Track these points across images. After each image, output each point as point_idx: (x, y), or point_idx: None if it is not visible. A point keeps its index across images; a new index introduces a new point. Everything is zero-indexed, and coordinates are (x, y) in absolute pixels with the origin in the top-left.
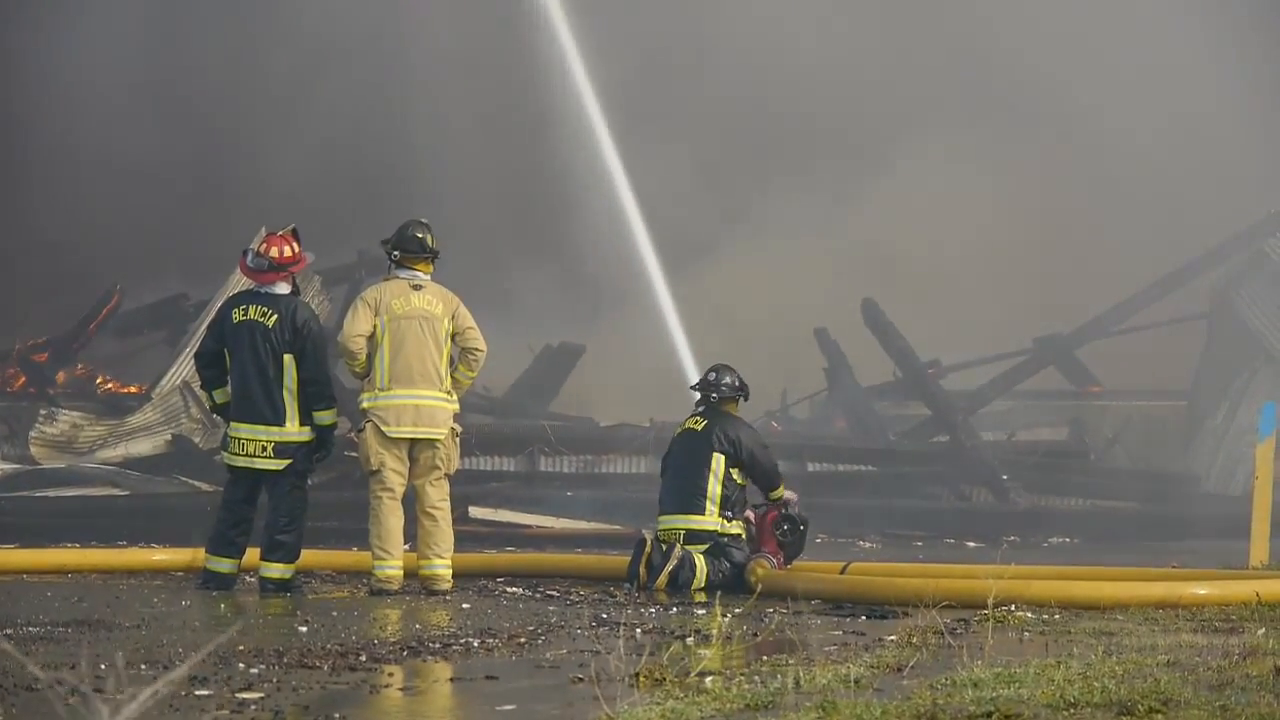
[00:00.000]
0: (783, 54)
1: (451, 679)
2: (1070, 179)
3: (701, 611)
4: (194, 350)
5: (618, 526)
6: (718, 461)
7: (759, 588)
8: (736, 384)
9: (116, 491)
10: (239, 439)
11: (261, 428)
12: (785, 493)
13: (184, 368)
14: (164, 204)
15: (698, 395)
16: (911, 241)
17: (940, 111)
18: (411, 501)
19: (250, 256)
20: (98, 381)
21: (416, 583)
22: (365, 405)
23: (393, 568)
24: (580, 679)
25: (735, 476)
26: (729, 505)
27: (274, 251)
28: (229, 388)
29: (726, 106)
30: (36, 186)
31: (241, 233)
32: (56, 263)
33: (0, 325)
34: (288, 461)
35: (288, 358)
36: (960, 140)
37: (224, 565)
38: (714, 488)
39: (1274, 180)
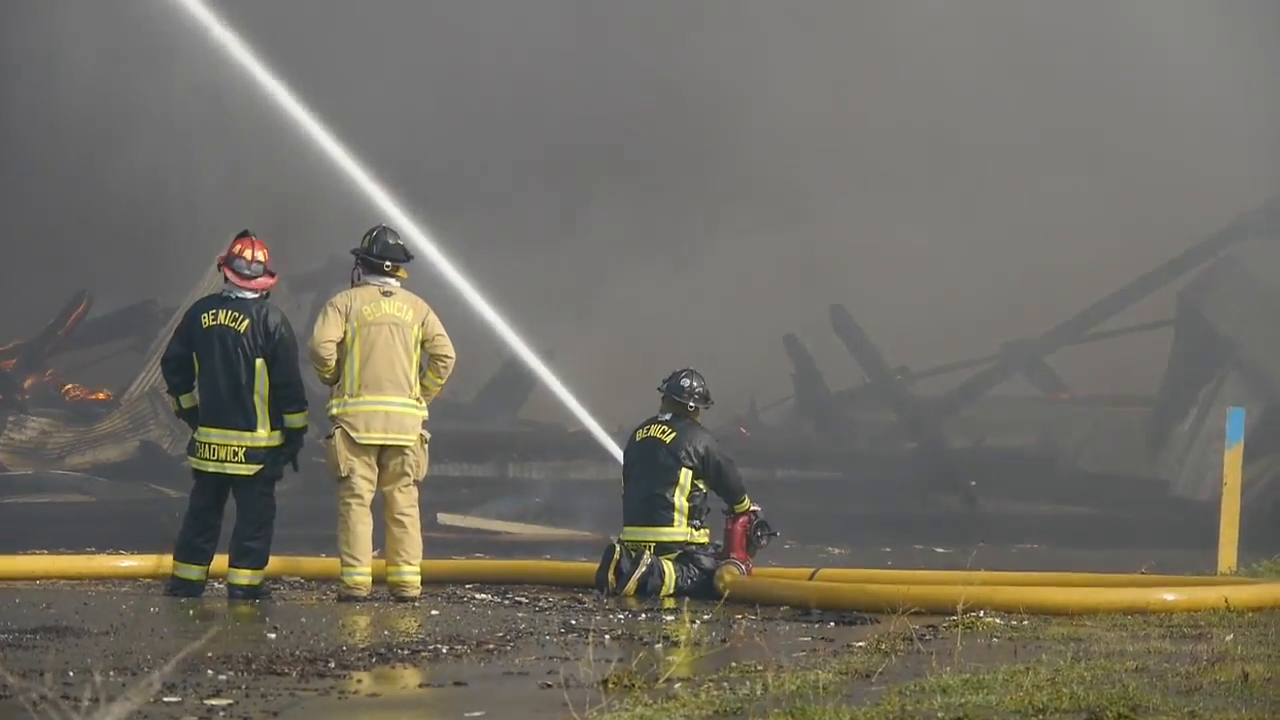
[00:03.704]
0: (756, 64)
1: (420, 685)
2: (1037, 187)
3: (670, 617)
4: (161, 355)
5: (586, 533)
6: (685, 475)
7: (727, 593)
8: (704, 391)
9: (84, 498)
10: (208, 444)
11: (233, 433)
12: (750, 504)
13: (152, 374)
14: (129, 209)
15: (663, 394)
16: (879, 248)
17: (908, 126)
18: (380, 508)
19: (243, 265)
20: (66, 388)
21: (385, 589)
22: (335, 412)
23: (361, 574)
24: (549, 685)
25: (700, 487)
26: (695, 514)
27: (260, 255)
28: (196, 393)
29: (699, 117)
30: (2, 187)
31: (207, 238)
32: (23, 267)
33: None
34: (258, 467)
35: (259, 362)
36: (929, 151)
37: (192, 572)
38: (680, 500)
39: (1239, 187)
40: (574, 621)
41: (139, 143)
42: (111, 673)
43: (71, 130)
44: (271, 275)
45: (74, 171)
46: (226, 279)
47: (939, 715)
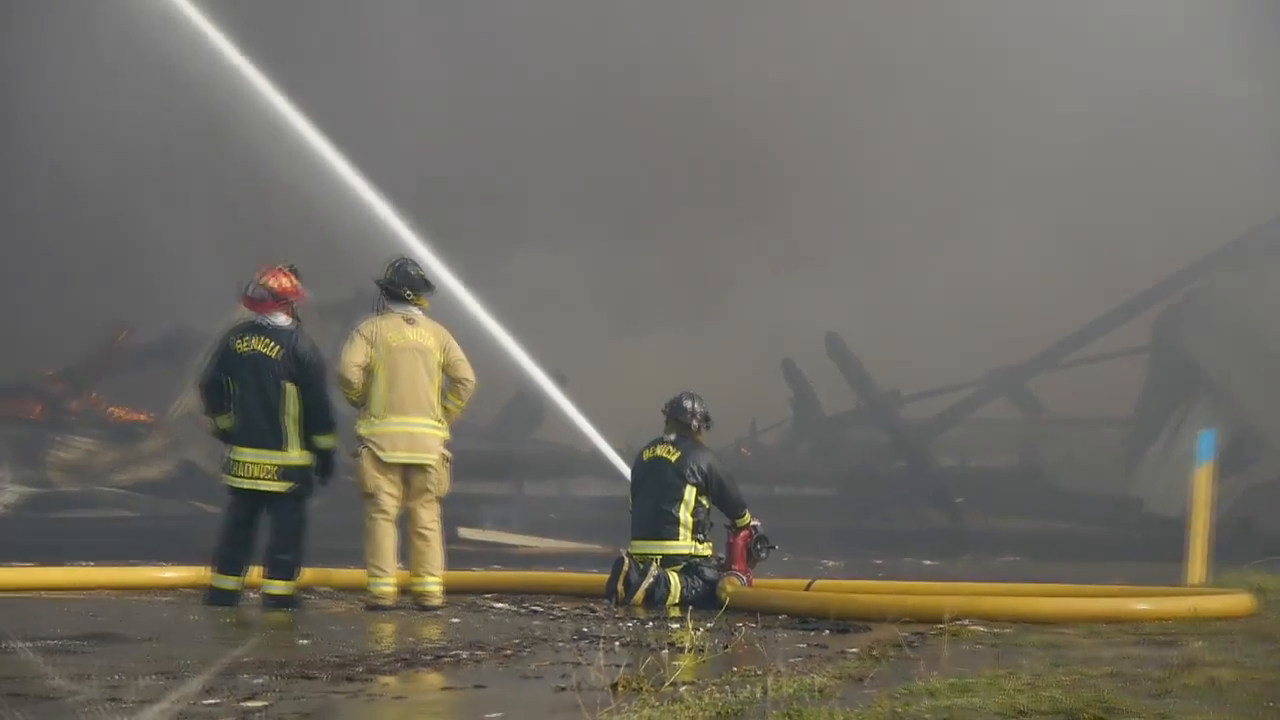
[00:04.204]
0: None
1: (443, 688)
2: (1020, 222)
3: (676, 625)
4: (199, 378)
5: (596, 546)
6: (689, 492)
7: (728, 603)
8: (705, 413)
9: (128, 513)
10: (243, 462)
11: (265, 452)
12: (750, 519)
13: (190, 397)
14: (168, 240)
15: (666, 416)
16: (872, 279)
17: (898, 162)
18: (405, 522)
19: (250, 287)
20: (109, 410)
21: (410, 598)
22: (362, 432)
23: (387, 584)
24: (563, 688)
25: (704, 502)
26: (699, 529)
27: (272, 283)
28: (231, 414)
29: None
30: (45, 220)
31: (245, 268)
32: (69, 296)
33: (18, 357)
34: (290, 484)
35: (290, 386)
36: (919, 187)
37: (229, 583)
38: (685, 515)
39: (1211, 223)
40: (586, 629)
41: (172, 175)
42: (154, 677)
43: (104, 164)
44: (276, 301)
45: (109, 203)
46: (241, 304)
47: (926, 717)
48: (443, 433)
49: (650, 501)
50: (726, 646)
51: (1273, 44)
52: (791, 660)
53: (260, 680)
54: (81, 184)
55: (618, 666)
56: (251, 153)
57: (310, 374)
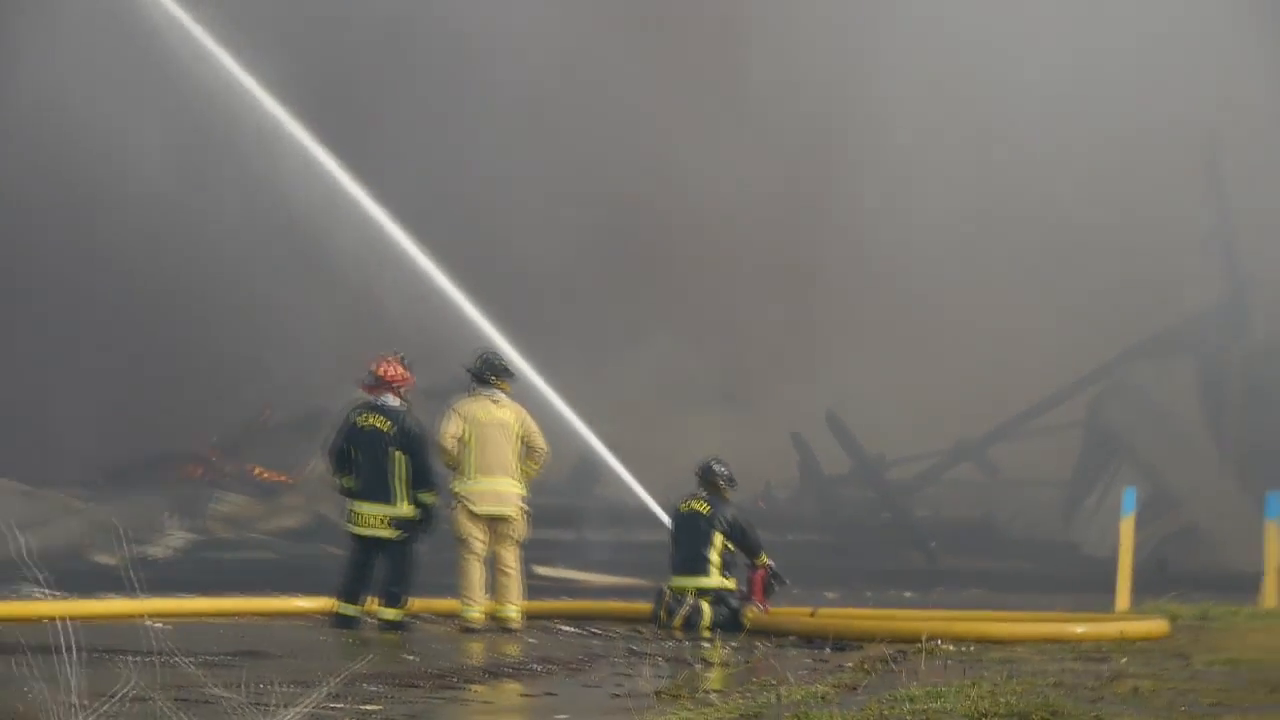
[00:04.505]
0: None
1: (521, 695)
2: (977, 321)
3: (706, 645)
4: (328, 447)
5: (643, 581)
6: (718, 538)
7: (749, 627)
8: (730, 475)
9: (271, 555)
10: (362, 514)
11: (380, 506)
12: (767, 559)
13: (321, 461)
14: (301, 332)
15: (698, 478)
16: (863, 364)
17: (865, 263)
18: (491, 562)
19: (368, 375)
20: (256, 472)
21: (495, 622)
22: (457, 490)
23: (477, 611)
24: (617, 695)
25: (729, 546)
26: (726, 567)
27: (382, 370)
28: (353, 476)
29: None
30: (200, 312)
31: (363, 358)
32: (224, 379)
33: (183, 429)
34: (399, 532)
35: (400, 454)
36: (897, 286)
37: (351, 610)
38: (714, 556)
39: (1131, 320)
40: (635, 647)
41: (300, 273)
42: (291, 686)
43: (245, 261)
44: (385, 381)
45: (252, 295)
46: (361, 388)
47: (907, 718)
48: (521, 490)
49: (686, 545)
50: (747, 661)
51: (1166, 185)
52: (799, 672)
53: (375, 689)
54: (222, 277)
55: (660, 677)
56: (358, 261)
57: (416, 445)
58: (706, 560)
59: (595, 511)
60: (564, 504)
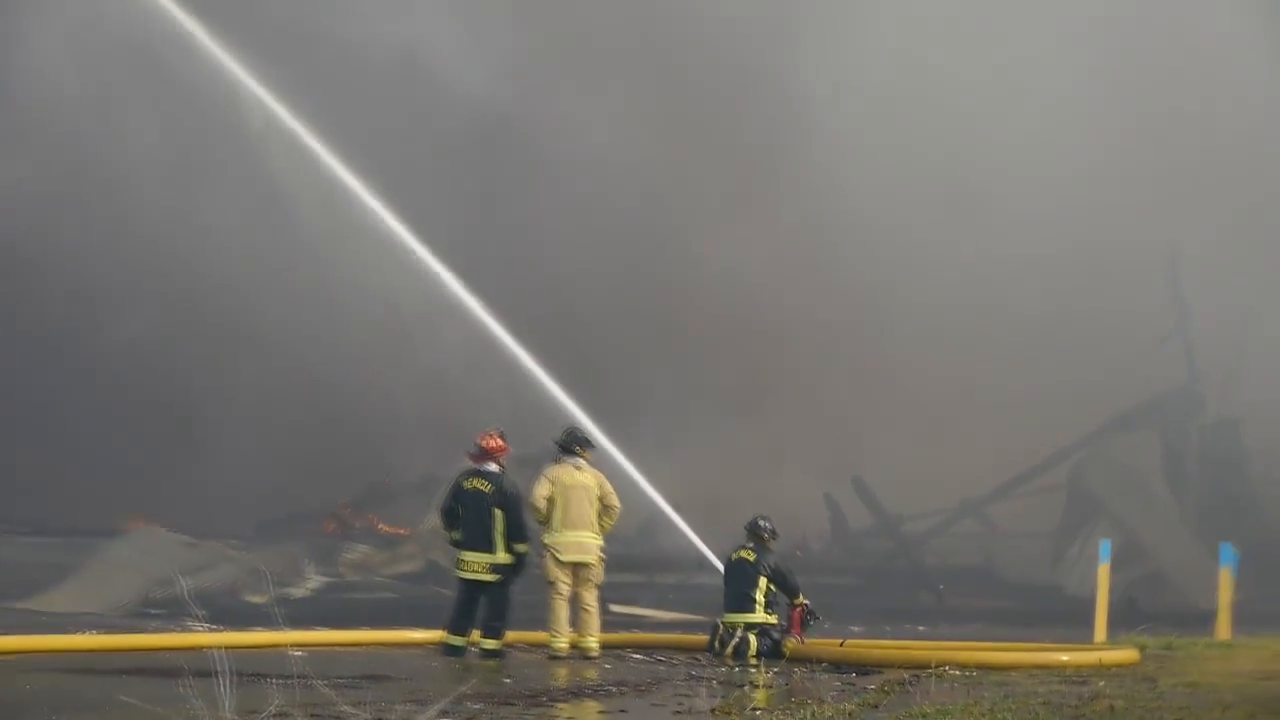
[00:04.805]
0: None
1: (600, 712)
2: (977, 402)
3: (753, 670)
4: (439, 506)
5: (701, 617)
6: (762, 581)
7: (789, 655)
8: (773, 529)
9: (392, 595)
10: (468, 561)
11: (482, 554)
12: (804, 599)
13: (433, 518)
14: (414, 415)
15: (746, 531)
16: (881, 434)
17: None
18: (574, 600)
19: (473, 447)
20: (380, 526)
21: (577, 651)
22: (546, 541)
23: (562, 642)
24: (679, 711)
25: (772, 588)
26: (769, 605)
27: (484, 443)
28: (460, 530)
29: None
30: (331, 395)
31: (469, 434)
32: (354, 450)
33: (319, 492)
34: (498, 576)
35: (498, 512)
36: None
37: (458, 640)
38: (759, 596)
39: (1108, 399)
40: (693, 672)
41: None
42: (408, 704)
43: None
44: (487, 452)
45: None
46: (467, 458)
47: None
48: (599, 541)
49: (736, 587)
50: (787, 684)
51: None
52: (830, 693)
53: (478, 706)
54: (350, 370)
55: (715, 697)
56: (466, 360)
57: (511, 504)
58: (753, 600)
59: (661, 560)
60: (634, 553)
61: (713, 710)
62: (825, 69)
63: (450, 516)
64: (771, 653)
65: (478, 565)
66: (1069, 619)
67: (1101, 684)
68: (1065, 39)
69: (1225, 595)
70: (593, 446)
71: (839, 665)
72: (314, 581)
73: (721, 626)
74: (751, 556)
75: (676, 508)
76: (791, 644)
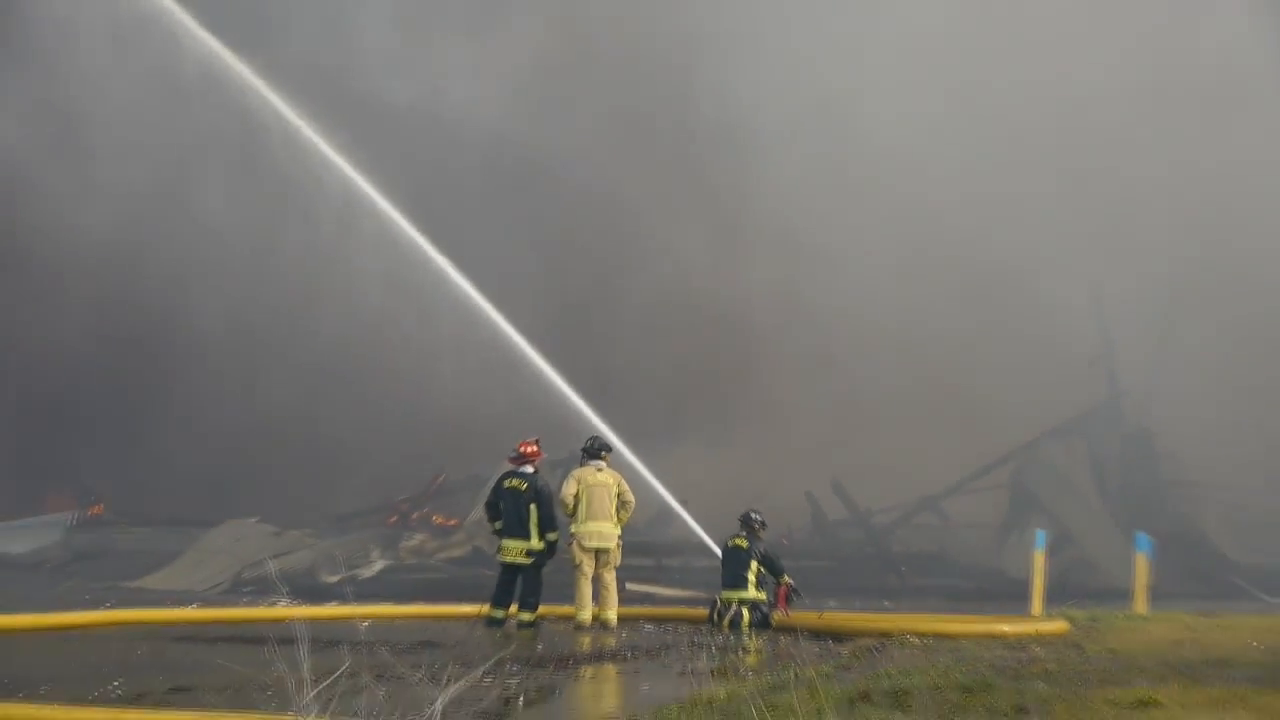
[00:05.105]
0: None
1: (617, 673)
2: (935, 416)
3: (746, 638)
4: (484, 500)
5: (701, 594)
6: (754, 564)
7: (775, 626)
8: (762, 520)
9: (442, 575)
10: (506, 547)
11: (519, 541)
12: (788, 579)
13: (478, 511)
14: (468, 423)
15: (740, 522)
16: (855, 445)
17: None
18: (596, 580)
19: (513, 452)
20: (432, 518)
21: (598, 623)
22: (573, 530)
23: (586, 615)
24: (683, 672)
25: (761, 570)
26: (759, 584)
27: (522, 449)
28: (501, 521)
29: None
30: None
31: (510, 442)
32: (415, 455)
33: (382, 489)
34: (532, 559)
35: (533, 506)
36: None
37: (499, 613)
38: (751, 576)
39: (1044, 412)
40: (696, 639)
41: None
42: (457, 665)
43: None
44: (524, 456)
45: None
46: (507, 461)
47: (884, 687)
48: (617, 530)
49: (731, 569)
50: (774, 649)
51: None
52: (810, 657)
53: (515, 668)
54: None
55: (713, 660)
56: (503, 380)
57: (543, 500)
58: (745, 579)
59: (669, 546)
60: (646, 540)
61: (712, 671)
62: (759, 80)
63: (493, 510)
64: (761, 623)
65: (515, 551)
66: (1010, 596)
67: (1037, 650)
68: (1008, 60)
69: (1141, 576)
70: (611, 451)
71: (818, 634)
72: (378, 564)
73: (719, 601)
74: (744, 543)
75: (682, 503)
76: (778, 616)
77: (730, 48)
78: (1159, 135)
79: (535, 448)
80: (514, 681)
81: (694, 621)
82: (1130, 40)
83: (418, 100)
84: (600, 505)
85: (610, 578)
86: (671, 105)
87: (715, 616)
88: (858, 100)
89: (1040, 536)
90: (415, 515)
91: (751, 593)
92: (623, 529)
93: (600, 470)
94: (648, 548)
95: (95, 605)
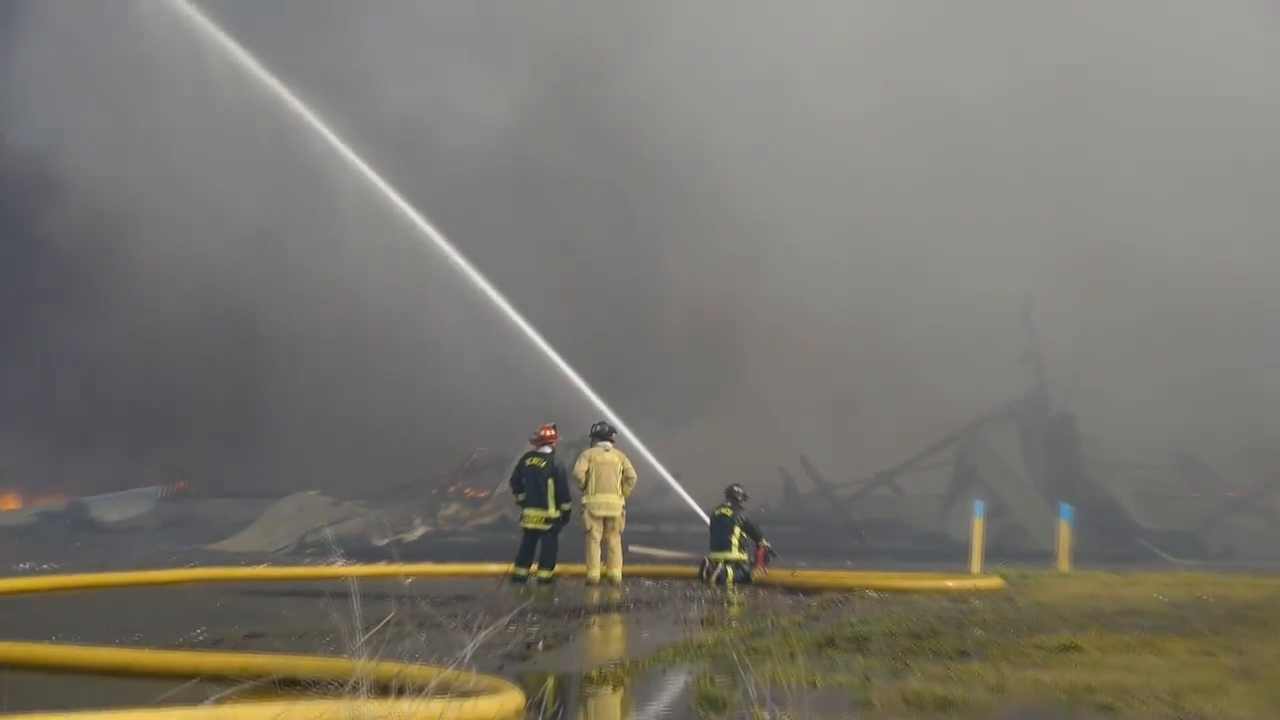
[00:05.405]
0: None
1: (621, 621)
2: (890, 406)
3: (730, 593)
4: (509, 476)
5: (692, 554)
6: (737, 529)
7: (755, 582)
8: (744, 492)
9: (474, 540)
10: (528, 515)
11: (538, 510)
12: (765, 542)
13: (504, 485)
14: (498, 412)
15: (725, 494)
16: (822, 428)
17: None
18: (604, 543)
19: (534, 434)
20: (466, 491)
21: (605, 580)
22: (585, 501)
23: (595, 573)
24: (678, 621)
25: (743, 535)
26: (741, 546)
27: (542, 432)
28: (524, 494)
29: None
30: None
31: (531, 427)
32: (455, 436)
33: (424, 465)
34: (549, 526)
35: (550, 481)
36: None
37: (521, 571)
38: (734, 540)
39: (988, 396)
40: (688, 593)
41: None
42: (486, 616)
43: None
44: (543, 438)
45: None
46: (529, 442)
47: (847, 633)
48: (622, 501)
49: (718, 533)
50: (754, 602)
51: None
52: (784, 608)
53: (535, 617)
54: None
55: (703, 610)
56: (531, 373)
57: (559, 475)
58: (729, 542)
59: (665, 513)
60: (646, 509)
61: (702, 620)
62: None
63: (516, 485)
64: (743, 580)
65: (535, 518)
66: (953, 557)
67: (976, 603)
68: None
69: (1064, 540)
70: (617, 434)
71: (791, 589)
72: (420, 530)
73: (707, 561)
74: (729, 512)
75: (676, 478)
76: (757, 574)
77: (703, 50)
78: (1056, 136)
79: (553, 431)
80: (534, 629)
81: (686, 578)
82: (1017, 40)
83: (466, 144)
84: (608, 480)
85: (615, 541)
86: (644, 112)
87: (704, 574)
88: (822, 98)
89: (979, 506)
90: (451, 488)
91: (735, 554)
92: (626, 500)
93: (608, 450)
94: (648, 515)
95: (181, 565)
